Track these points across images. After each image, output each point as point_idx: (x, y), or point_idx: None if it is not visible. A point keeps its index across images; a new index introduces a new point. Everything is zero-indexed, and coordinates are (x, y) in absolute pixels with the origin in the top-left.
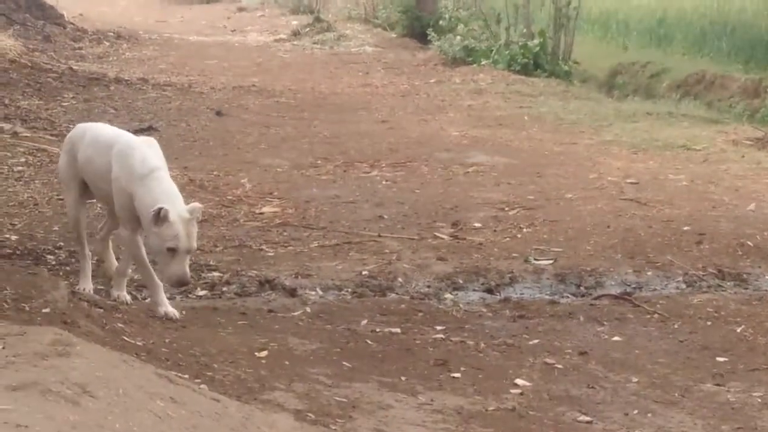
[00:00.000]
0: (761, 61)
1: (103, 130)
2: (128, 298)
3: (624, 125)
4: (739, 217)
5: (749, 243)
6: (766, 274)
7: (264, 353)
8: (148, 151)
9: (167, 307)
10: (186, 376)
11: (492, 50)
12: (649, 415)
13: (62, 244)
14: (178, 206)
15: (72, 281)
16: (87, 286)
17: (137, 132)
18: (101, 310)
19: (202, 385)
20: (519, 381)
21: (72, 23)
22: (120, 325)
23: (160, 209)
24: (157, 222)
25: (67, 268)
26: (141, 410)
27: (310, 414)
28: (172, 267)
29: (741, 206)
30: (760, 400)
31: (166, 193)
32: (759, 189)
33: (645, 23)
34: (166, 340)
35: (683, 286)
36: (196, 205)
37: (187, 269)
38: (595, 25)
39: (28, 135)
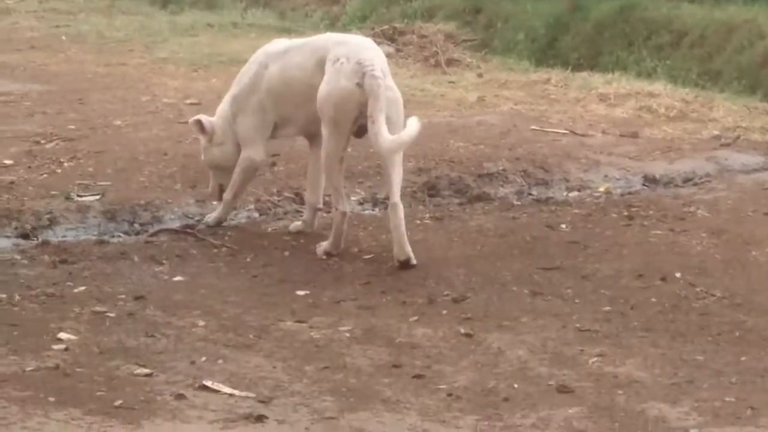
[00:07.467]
0: None
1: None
2: None
3: (181, 40)
4: None
5: None
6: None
7: None
8: None
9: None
10: None
11: None
12: (220, 361)
13: None
14: None
15: None
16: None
17: None
18: None
19: None
20: (63, 335)
21: None
22: None
23: None
24: None
25: None
26: None
27: None
28: None
29: None
30: (348, 335)
31: None
32: None
33: None
34: None
35: (255, 214)
36: None
37: None
38: None
39: None
